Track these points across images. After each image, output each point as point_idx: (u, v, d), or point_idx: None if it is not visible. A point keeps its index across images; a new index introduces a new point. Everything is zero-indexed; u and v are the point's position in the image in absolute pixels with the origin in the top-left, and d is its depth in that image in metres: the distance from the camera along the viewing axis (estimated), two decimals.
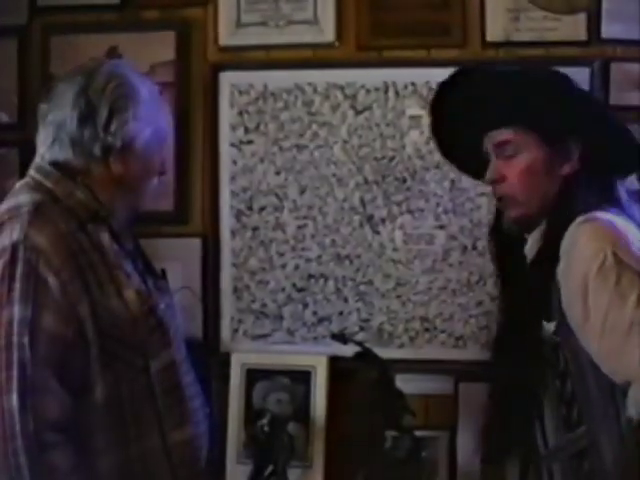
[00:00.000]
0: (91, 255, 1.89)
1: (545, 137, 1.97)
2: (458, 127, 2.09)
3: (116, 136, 1.94)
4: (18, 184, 1.98)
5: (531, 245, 2.03)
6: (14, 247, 1.81)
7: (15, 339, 1.77)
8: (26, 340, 1.77)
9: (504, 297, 2.14)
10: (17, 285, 1.79)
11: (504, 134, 2.00)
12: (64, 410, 1.80)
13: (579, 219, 1.87)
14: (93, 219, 1.93)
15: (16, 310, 1.78)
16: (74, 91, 1.95)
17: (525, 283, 1.99)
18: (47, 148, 1.97)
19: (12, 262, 1.81)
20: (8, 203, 1.93)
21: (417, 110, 2.92)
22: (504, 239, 2.10)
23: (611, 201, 1.96)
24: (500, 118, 2.00)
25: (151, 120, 2.00)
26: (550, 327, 1.89)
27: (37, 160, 1.98)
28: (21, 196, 1.92)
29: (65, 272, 1.83)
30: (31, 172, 1.97)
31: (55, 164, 1.95)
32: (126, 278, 1.93)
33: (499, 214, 2.11)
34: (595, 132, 1.95)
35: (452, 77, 2.08)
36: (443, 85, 2.11)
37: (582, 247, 1.84)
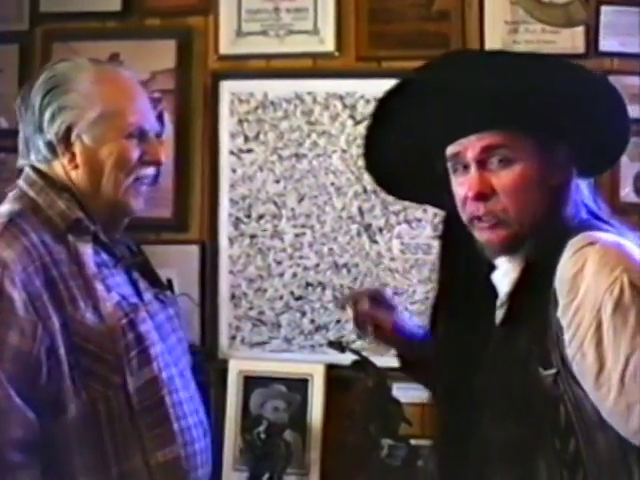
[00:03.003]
0: (66, 267, 1.83)
1: (543, 142, 1.63)
2: (411, 132, 1.71)
3: (50, 130, 1.88)
4: (9, 194, 1.94)
5: (505, 271, 1.69)
6: None
7: None
8: None
9: (459, 332, 1.74)
10: None
11: (494, 137, 1.61)
12: (29, 429, 1.73)
13: (576, 241, 1.56)
14: (74, 229, 1.87)
15: None
16: (21, 96, 1.94)
17: (507, 321, 1.65)
18: (18, 158, 1.96)
19: None
20: None
21: None
22: (459, 254, 1.75)
23: (598, 217, 1.67)
24: (487, 118, 1.61)
25: (93, 105, 1.89)
26: (548, 376, 1.55)
27: (25, 169, 1.95)
28: (2, 207, 1.89)
29: (32, 287, 1.76)
30: (19, 181, 1.94)
31: (40, 172, 1.92)
32: (105, 291, 1.86)
33: (452, 224, 1.75)
34: (591, 130, 1.64)
35: (430, 65, 1.71)
36: (415, 73, 1.71)
37: (591, 277, 1.51)
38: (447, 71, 1.65)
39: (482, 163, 1.63)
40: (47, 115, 1.88)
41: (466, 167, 1.65)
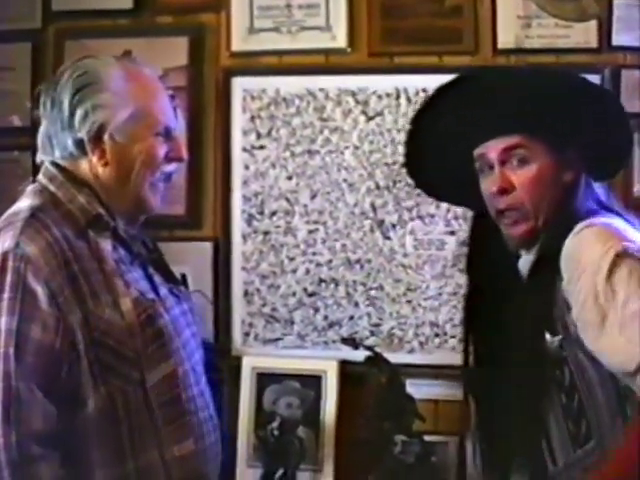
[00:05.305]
0: (87, 263, 1.85)
1: (554, 144, 1.90)
2: (444, 138, 1.97)
3: (81, 129, 1.89)
4: (28, 188, 1.96)
5: (525, 260, 1.95)
6: (4, 256, 1.78)
7: (1, 350, 1.74)
8: (11, 351, 1.73)
9: (491, 311, 1.98)
10: (5, 295, 1.76)
11: (513, 140, 1.89)
12: (50, 422, 1.75)
13: (577, 228, 1.81)
14: (94, 224, 1.89)
15: (3, 321, 1.75)
16: (45, 92, 1.94)
17: (524, 296, 1.91)
18: (38, 153, 1.97)
19: (2, 271, 1.78)
20: (11, 209, 1.91)
21: None
22: (488, 248, 2.01)
23: (606, 208, 1.91)
24: (507, 124, 1.89)
25: (125, 103, 1.91)
26: (554, 341, 1.83)
27: (45, 164, 1.96)
28: (23, 202, 1.91)
29: (55, 281, 1.79)
30: (39, 176, 1.96)
31: (60, 167, 1.93)
32: (124, 286, 1.88)
33: (481, 222, 2.02)
34: (597, 136, 1.90)
35: (456, 80, 1.97)
36: (444, 87, 1.97)
37: (587, 252, 1.77)
38: (474, 85, 1.94)
39: (503, 162, 1.91)
40: (79, 113, 1.89)
41: (491, 167, 1.92)
